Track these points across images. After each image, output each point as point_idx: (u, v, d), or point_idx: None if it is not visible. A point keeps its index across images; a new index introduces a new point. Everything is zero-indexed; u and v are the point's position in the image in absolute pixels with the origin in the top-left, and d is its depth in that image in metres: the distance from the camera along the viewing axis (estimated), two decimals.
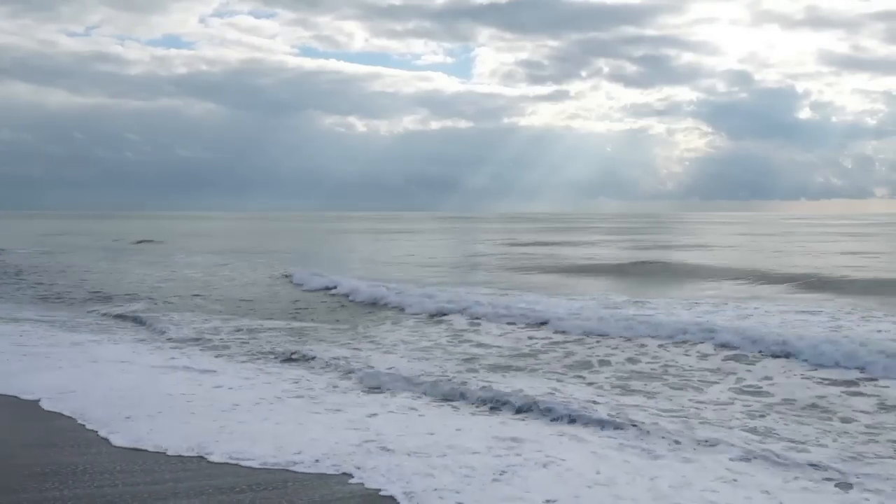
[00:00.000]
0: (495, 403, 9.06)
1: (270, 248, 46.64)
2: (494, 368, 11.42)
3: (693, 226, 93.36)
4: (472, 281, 25.05)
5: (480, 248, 47.26)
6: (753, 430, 7.98)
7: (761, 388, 10.10)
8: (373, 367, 11.15)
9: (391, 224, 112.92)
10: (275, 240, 61.33)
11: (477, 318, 16.27)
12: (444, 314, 16.85)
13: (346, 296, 20.89)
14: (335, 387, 10.18)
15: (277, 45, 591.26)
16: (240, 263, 33.89)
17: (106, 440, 7.54)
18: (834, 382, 10.22)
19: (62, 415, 8.48)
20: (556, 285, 23.87)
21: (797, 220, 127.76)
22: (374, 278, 24.32)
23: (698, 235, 62.47)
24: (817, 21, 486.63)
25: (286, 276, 26.53)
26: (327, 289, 22.31)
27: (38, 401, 9.09)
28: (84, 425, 8.03)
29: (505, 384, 10.01)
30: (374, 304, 19.23)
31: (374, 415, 8.58)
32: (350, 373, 10.96)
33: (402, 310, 18.10)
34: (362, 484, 6.33)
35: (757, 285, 22.98)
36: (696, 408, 9.00)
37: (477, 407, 9.10)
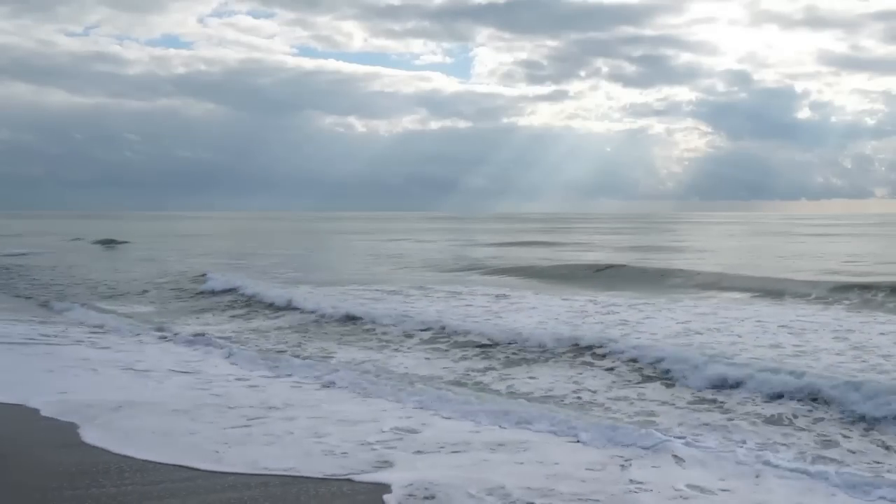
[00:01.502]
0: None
1: (233, 249, 46.09)
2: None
3: (687, 226, 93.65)
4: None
5: (450, 248, 47.40)
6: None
7: None
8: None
9: (383, 224, 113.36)
10: (252, 240, 60.82)
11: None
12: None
13: (251, 297, 21.05)
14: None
15: (276, 45, 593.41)
16: (174, 263, 33.56)
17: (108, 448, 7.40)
18: None
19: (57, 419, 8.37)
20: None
21: (794, 220, 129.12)
22: (311, 280, 24.72)
23: (688, 236, 62.35)
24: (816, 21, 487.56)
25: (202, 276, 26.00)
26: (230, 291, 22.15)
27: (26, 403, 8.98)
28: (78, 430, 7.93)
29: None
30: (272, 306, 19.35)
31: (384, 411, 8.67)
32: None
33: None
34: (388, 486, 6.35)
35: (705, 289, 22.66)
36: None
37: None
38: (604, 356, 12.05)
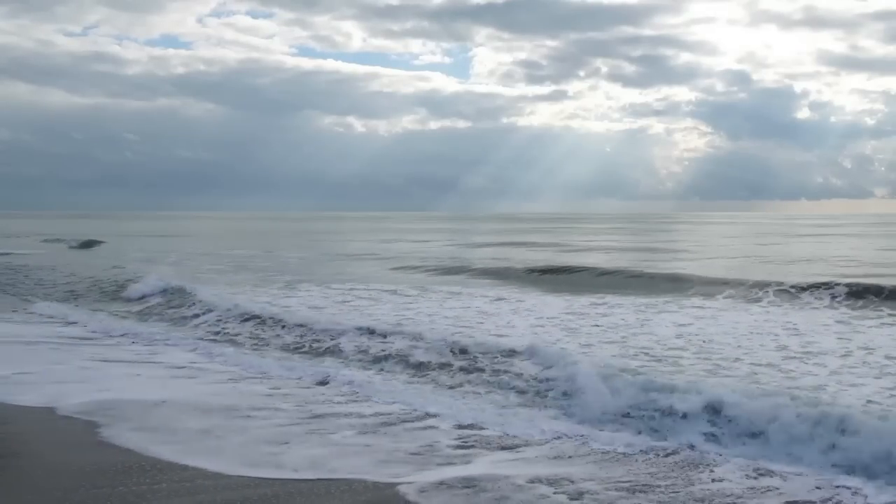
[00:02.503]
0: None
1: (200, 249, 45.61)
2: None
3: (682, 227, 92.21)
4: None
5: (408, 247, 47.71)
6: None
7: None
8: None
9: (376, 224, 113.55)
10: (231, 240, 59.83)
11: None
12: None
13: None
14: None
15: (275, 45, 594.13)
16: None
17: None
18: None
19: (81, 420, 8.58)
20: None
21: (791, 220, 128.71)
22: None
23: (680, 237, 61.36)
24: (815, 21, 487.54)
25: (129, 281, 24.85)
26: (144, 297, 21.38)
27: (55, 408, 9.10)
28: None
29: None
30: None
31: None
32: None
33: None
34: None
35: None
36: None
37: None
38: None
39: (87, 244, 51.79)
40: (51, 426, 8.33)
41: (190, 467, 6.94)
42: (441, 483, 6.55)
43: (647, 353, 12.14)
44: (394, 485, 6.53)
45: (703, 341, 13.26)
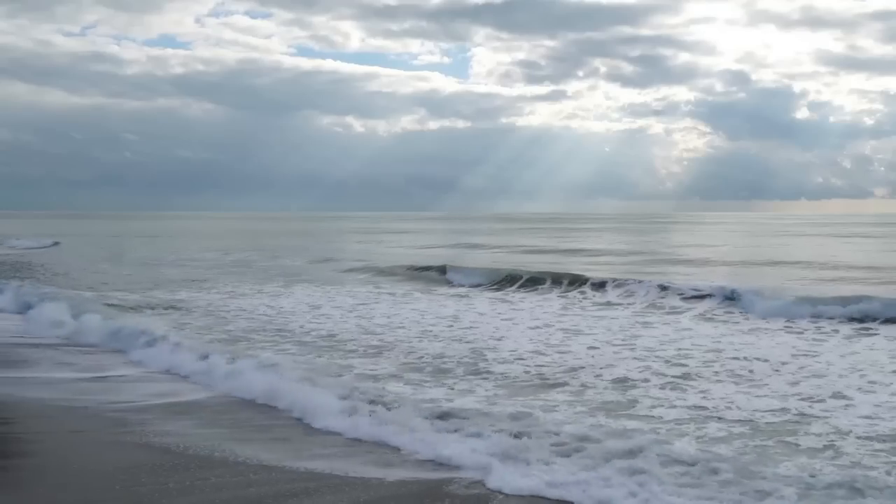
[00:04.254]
0: None
1: (155, 254, 43.63)
2: None
3: (672, 226, 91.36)
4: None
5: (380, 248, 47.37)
6: None
7: None
8: None
9: (367, 224, 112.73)
10: (200, 243, 58.11)
11: None
12: None
13: None
14: None
15: (274, 45, 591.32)
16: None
17: None
18: None
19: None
20: None
21: (781, 220, 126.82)
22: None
23: (652, 237, 60.28)
24: (814, 21, 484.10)
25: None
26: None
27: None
28: None
29: None
30: None
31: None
32: None
33: None
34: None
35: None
36: None
37: None
38: None
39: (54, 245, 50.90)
40: (134, 420, 8.70)
41: (244, 461, 7.21)
42: None
43: None
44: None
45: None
